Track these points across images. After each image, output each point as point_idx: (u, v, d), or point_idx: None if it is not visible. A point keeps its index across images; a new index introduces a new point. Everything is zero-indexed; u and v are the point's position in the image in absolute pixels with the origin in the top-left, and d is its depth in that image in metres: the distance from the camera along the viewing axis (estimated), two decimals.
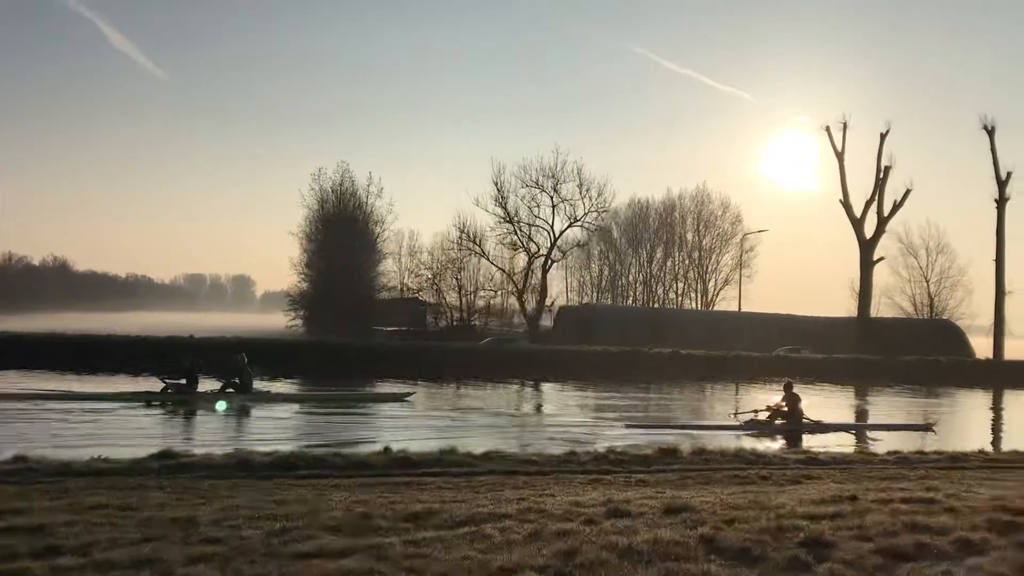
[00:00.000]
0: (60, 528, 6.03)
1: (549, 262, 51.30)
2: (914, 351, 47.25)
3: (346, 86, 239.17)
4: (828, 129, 55.01)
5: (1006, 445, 16.92)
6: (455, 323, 53.26)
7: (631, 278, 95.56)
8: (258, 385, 22.04)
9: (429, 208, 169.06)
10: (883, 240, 55.72)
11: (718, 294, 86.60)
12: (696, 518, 6.79)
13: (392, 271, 59.59)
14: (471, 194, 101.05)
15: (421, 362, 35.65)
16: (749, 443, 14.45)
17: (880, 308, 63.98)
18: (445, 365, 35.25)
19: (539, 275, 51.65)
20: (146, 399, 20.05)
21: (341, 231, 56.51)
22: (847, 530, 6.54)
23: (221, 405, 19.51)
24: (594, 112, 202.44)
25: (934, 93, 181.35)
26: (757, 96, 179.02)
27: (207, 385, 20.91)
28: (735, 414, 18.98)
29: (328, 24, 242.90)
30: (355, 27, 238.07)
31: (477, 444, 12.09)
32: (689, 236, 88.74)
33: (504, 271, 53.15)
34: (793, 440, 16.71)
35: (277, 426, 17.40)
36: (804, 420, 18.01)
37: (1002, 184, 53.92)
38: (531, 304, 52.07)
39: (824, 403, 25.80)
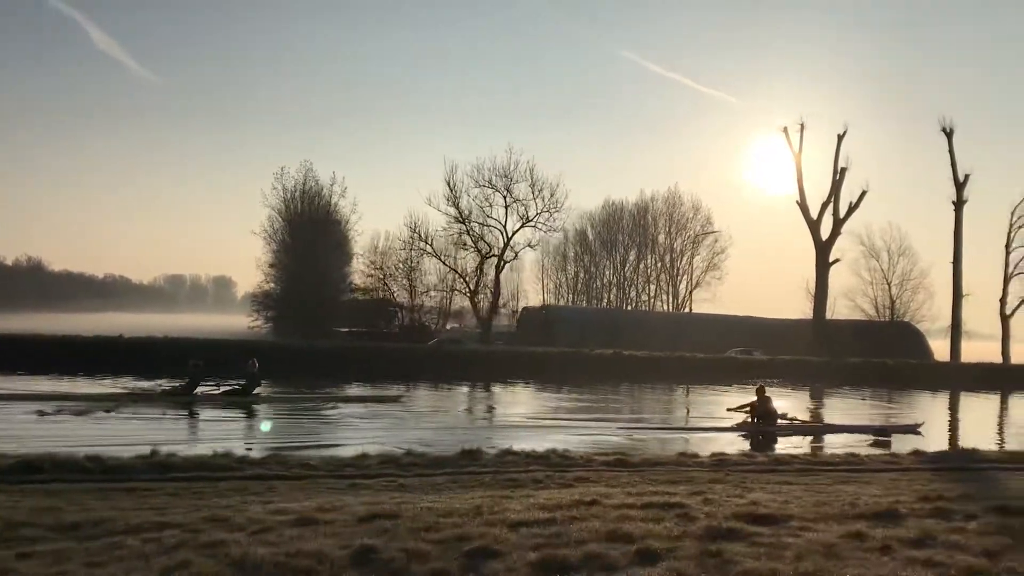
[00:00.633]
0: None
1: (502, 263, 50.63)
2: (871, 353, 46.85)
3: (333, 89, 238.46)
4: (786, 130, 54.62)
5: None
6: (405, 324, 52.53)
7: (605, 280, 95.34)
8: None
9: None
10: (845, 242, 55.42)
11: (689, 296, 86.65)
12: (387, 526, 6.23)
13: (362, 271, 58.71)
14: (423, 193, 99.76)
15: (350, 362, 34.98)
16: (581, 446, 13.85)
17: (842, 310, 63.80)
18: (378, 366, 34.59)
19: (492, 275, 50.98)
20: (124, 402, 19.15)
21: (305, 231, 55.78)
22: (541, 538, 5.97)
23: (265, 426, 18.06)
24: (579, 114, 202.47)
25: (918, 96, 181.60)
26: (742, 99, 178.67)
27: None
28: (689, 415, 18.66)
29: (320, 24, 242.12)
30: (347, 28, 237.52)
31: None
32: (661, 238, 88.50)
33: (456, 271, 52.53)
34: (770, 443, 16.56)
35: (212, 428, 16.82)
36: (780, 422, 18.10)
37: (960, 187, 53.66)
38: (484, 305, 51.44)
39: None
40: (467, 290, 51.77)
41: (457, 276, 52.43)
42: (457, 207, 49.64)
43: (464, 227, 49.85)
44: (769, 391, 19.08)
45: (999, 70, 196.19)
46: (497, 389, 30.20)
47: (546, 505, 7.07)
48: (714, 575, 5.25)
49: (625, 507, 7.19)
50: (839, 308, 63.59)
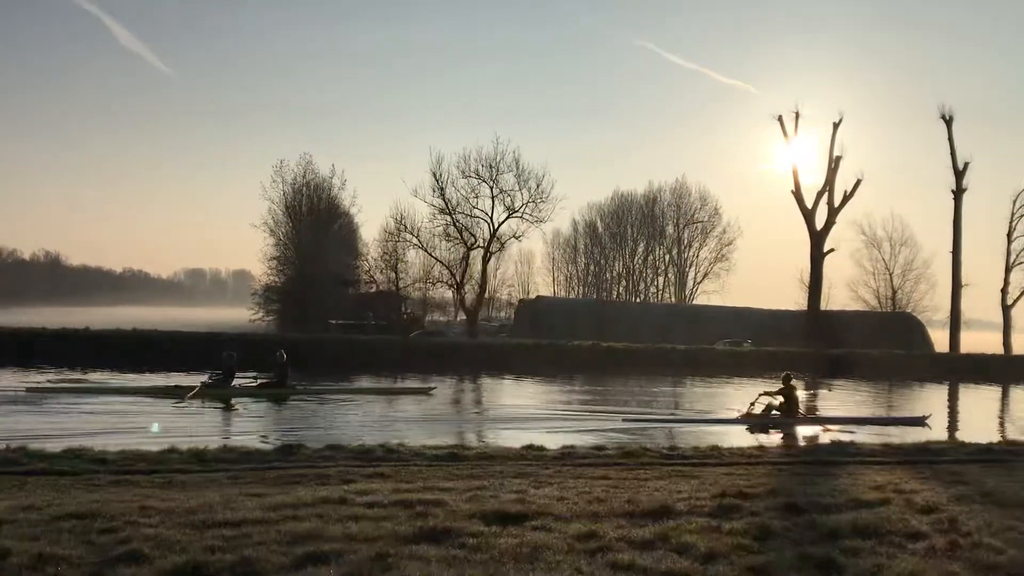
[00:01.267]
0: None
1: (488, 254, 50.13)
2: (870, 344, 45.93)
3: (348, 83, 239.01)
4: (781, 118, 53.54)
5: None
6: (394, 316, 52.26)
7: (615, 272, 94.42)
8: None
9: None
10: (848, 233, 54.28)
11: (697, 287, 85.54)
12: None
13: (370, 261, 58.29)
14: (409, 184, 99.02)
15: (328, 354, 34.68)
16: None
17: (845, 300, 62.65)
18: (357, 357, 34.34)
19: (479, 267, 50.53)
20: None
21: (305, 223, 55.62)
22: (221, 540, 5.48)
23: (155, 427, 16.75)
24: (594, 105, 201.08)
25: (917, 84, 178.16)
26: (762, 89, 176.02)
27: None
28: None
29: (335, 20, 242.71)
30: (359, 23, 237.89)
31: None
32: (669, 229, 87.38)
33: (442, 262, 52.13)
34: (789, 434, 16.28)
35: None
36: (799, 415, 17.77)
37: (959, 175, 52.37)
38: (470, 297, 51.02)
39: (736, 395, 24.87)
40: (453, 282, 51.34)
41: (443, 268, 52.04)
42: (443, 198, 49.19)
43: (450, 218, 49.39)
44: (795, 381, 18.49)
45: (999, 57, 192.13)
46: (466, 383, 29.72)
47: (280, 504, 6.59)
48: None
49: (375, 505, 6.70)
50: (842, 298, 62.56)
